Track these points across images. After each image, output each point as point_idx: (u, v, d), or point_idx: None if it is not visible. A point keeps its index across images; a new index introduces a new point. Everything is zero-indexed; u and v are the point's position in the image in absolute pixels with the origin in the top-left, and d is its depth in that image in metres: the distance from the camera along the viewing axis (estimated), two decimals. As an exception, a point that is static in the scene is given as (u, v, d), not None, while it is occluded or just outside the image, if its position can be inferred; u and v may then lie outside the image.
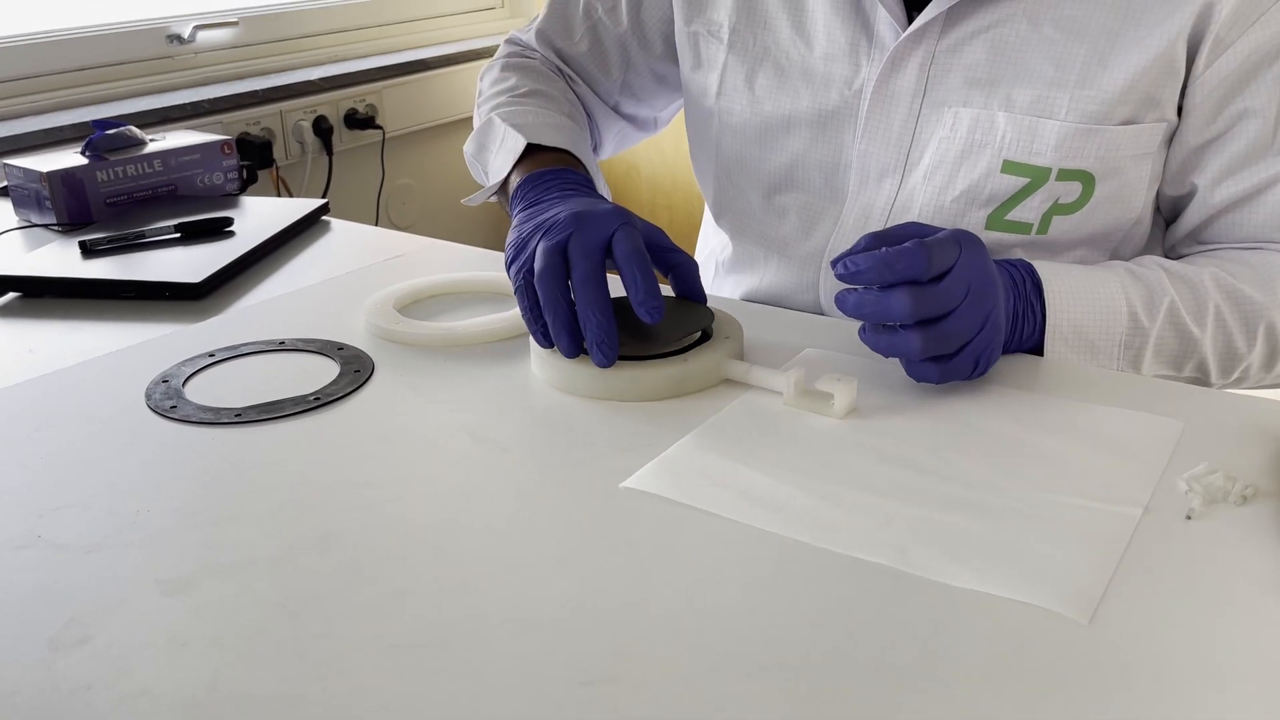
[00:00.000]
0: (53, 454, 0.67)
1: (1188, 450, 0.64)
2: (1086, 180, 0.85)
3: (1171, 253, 0.92)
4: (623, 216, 0.74)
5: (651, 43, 1.05)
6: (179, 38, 1.93)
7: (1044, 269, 0.79)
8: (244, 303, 0.93)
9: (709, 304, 0.79)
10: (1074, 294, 0.78)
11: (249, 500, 0.62)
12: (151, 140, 1.22)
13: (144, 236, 1.05)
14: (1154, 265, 0.83)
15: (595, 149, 1.14)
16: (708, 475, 0.63)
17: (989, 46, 0.85)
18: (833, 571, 0.54)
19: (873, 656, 0.48)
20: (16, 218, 1.17)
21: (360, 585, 0.54)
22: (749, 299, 1.00)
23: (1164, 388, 0.74)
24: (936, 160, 0.88)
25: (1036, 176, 0.85)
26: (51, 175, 1.12)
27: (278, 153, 1.97)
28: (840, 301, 0.69)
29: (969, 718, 0.45)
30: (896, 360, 0.72)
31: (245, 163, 1.27)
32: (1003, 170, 0.85)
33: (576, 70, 1.09)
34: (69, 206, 1.13)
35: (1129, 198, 0.87)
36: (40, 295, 0.96)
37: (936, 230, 0.70)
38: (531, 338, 0.75)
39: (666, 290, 0.78)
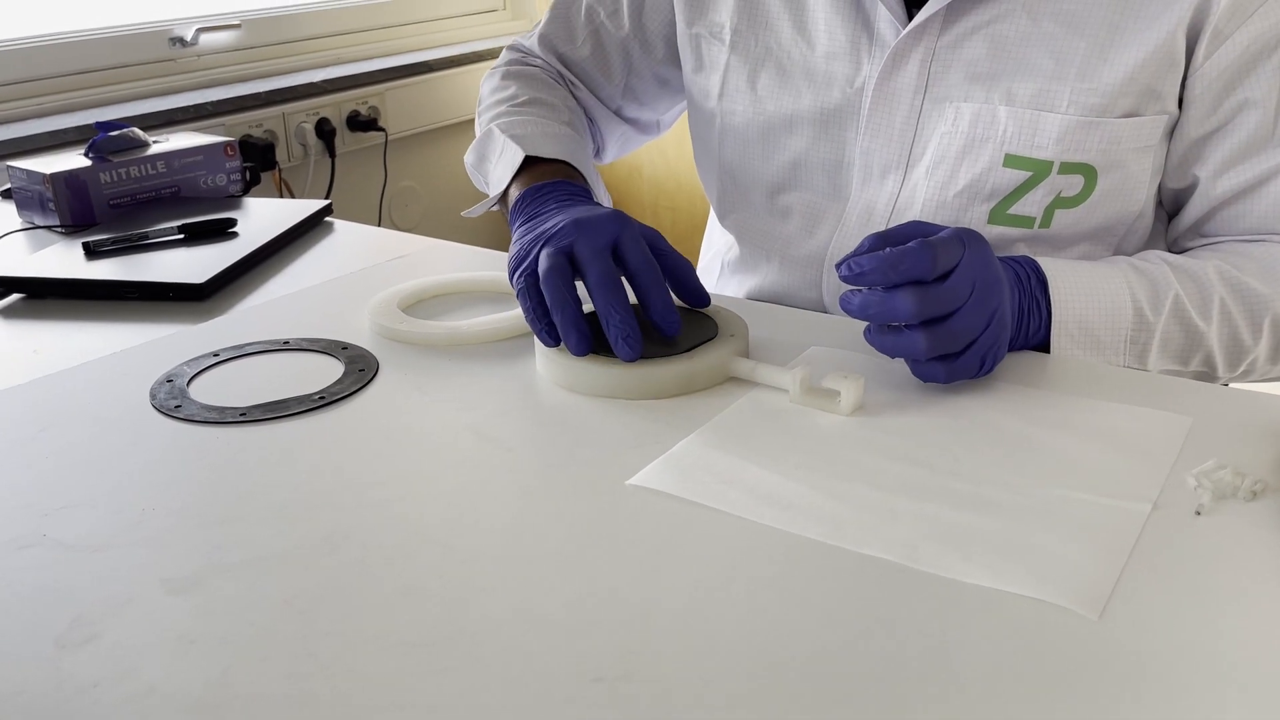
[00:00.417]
0: (58, 454, 0.67)
1: (1197, 446, 0.64)
2: (1088, 173, 0.85)
3: (1174, 246, 0.92)
4: (621, 219, 0.76)
5: (653, 46, 1.05)
6: (182, 40, 1.93)
7: (1049, 265, 0.79)
8: (247, 303, 0.93)
9: (712, 303, 0.80)
10: (1079, 290, 0.78)
11: (254, 499, 0.62)
12: (155, 142, 1.22)
13: (147, 238, 1.05)
14: (1157, 260, 0.82)
15: (598, 153, 1.15)
16: (714, 472, 0.63)
17: (989, 41, 0.85)
18: (841, 568, 0.54)
19: (882, 653, 0.48)
20: (20, 219, 1.17)
21: (367, 583, 0.54)
22: (753, 298, 1.00)
23: (1172, 384, 0.73)
24: (939, 156, 0.88)
25: (1038, 170, 0.85)
26: (55, 177, 1.12)
27: (280, 155, 1.97)
28: (845, 303, 0.69)
29: (978, 713, 0.45)
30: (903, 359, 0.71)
31: (248, 165, 1.27)
32: (1005, 164, 0.85)
33: (579, 75, 1.09)
34: (72, 208, 1.13)
35: (1131, 191, 0.87)
36: (44, 296, 0.96)
37: (940, 229, 0.69)
38: (536, 337, 0.75)
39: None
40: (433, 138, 2.29)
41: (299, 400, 0.73)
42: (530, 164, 0.93)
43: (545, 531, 0.58)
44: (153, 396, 0.74)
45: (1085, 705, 0.45)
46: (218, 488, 0.63)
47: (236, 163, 1.24)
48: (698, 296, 0.79)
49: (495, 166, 0.96)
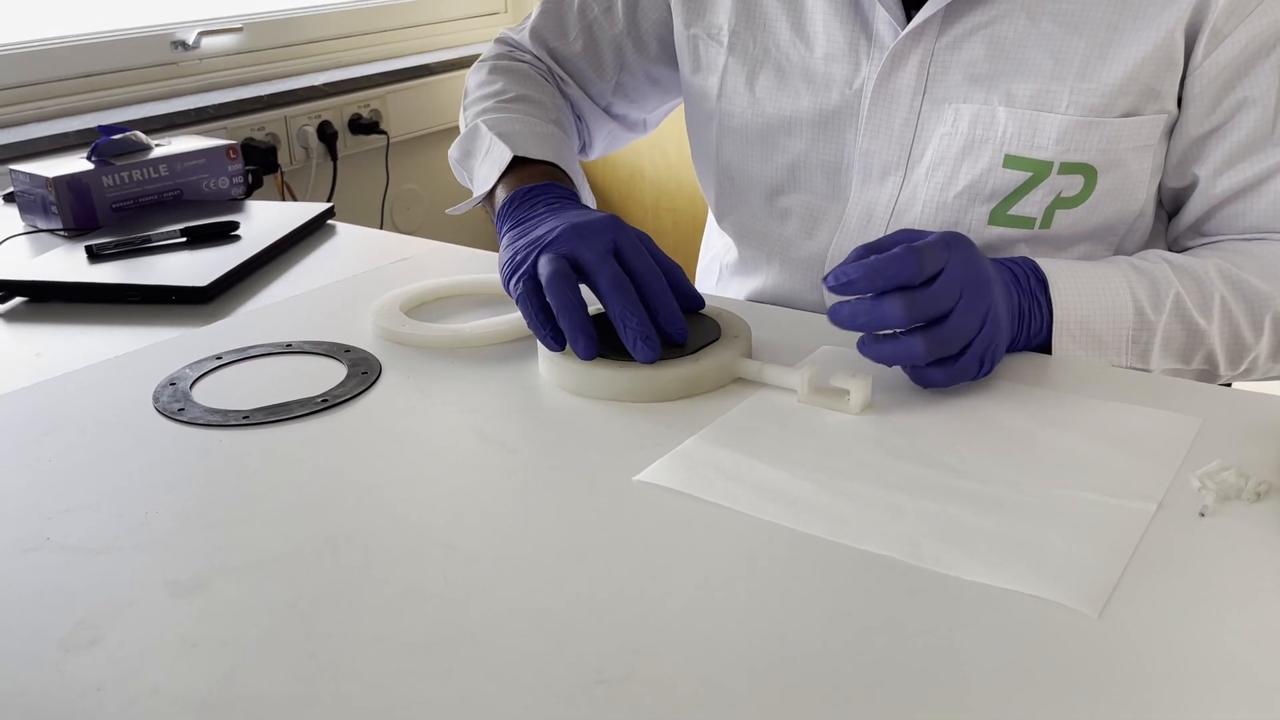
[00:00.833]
0: (61, 456, 0.67)
1: (1201, 447, 0.64)
2: (1088, 173, 0.85)
3: (1174, 245, 0.92)
4: (617, 224, 0.76)
5: (647, 44, 1.05)
6: (184, 44, 1.93)
7: (1048, 266, 0.79)
8: (250, 306, 0.93)
9: (710, 305, 0.80)
10: (1080, 290, 0.78)
11: (257, 502, 0.62)
12: (157, 145, 1.22)
13: (150, 241, 1.05)
14: (1158, 259, 0.82)
15: (584, 149, 1.14)
16: (721, 469, 0.63)
17: (988, 42, 0.85)
18: (846, 565, 0.54)
19: (885, 649, 0.48)
20: (23, 223, 1.18)
21: (371, 585, 0.54)
22: (753, 300, 1.00)
23: (1176, 385, 0.73)
24: (938, 157, 0.88)
25: (1038, 170, 0.85)
26: (58, 180, 1.12)
27: (282, 158, 1.97)
28: (834, 314, 0.68)
29: (980, 709, 0.45)
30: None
31: (250, 168, 1.27)
32: (1004, 165, 0.85)
33: (569, 70, 1.09)
34: (75, 211, 1.13)
35: (1131, 190, 0.87)
36: (47, 300, 0.96)
37: (926, 235, 0.69)
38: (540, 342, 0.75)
39: None
40: (434, 140, 2.29)
41: (302, 403, 0.73)
42: (517, 164, 0.92)
43: (548, 532, 0.58)
44: (155, 399, 0.74)
45: (1086, 702, 0.45)
46: (220, 490, 0.63)
47: (239, 166, 1.24)
48: (691, 300, 0.79)
49: (481, 164, 0.95)
